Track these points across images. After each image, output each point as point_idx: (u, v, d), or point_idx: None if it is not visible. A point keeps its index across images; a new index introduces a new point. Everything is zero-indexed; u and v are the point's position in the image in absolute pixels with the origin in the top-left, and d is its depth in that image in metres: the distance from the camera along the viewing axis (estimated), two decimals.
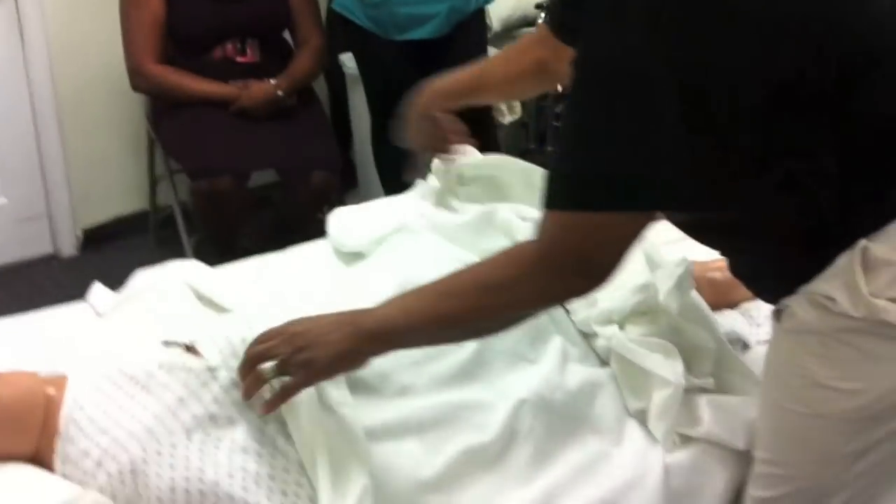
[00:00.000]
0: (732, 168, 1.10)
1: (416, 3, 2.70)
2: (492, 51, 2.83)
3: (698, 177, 1.07)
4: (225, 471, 1.17)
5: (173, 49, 2.89)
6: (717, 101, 1.05)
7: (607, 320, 1.49)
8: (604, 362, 1.49)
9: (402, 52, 2.74)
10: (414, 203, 1.81)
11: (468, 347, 1.39)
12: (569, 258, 1.12)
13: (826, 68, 1.06)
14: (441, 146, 1.74)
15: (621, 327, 1.47)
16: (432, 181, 1.83)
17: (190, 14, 2.85)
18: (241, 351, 1.26)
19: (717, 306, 1.59)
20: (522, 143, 3.51)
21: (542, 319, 1.45)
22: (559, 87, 1.76)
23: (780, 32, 1.06)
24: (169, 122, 2.92)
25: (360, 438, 1.23)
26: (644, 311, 1.49)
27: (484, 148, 2.98)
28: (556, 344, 1.46)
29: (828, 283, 1.11)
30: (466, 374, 1.38)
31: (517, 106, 3.23)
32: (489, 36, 3.06)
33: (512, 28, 3.29)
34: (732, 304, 1.66)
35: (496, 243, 1.57)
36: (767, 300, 1.25)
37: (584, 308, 1.51)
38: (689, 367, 1.42)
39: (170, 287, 1.45)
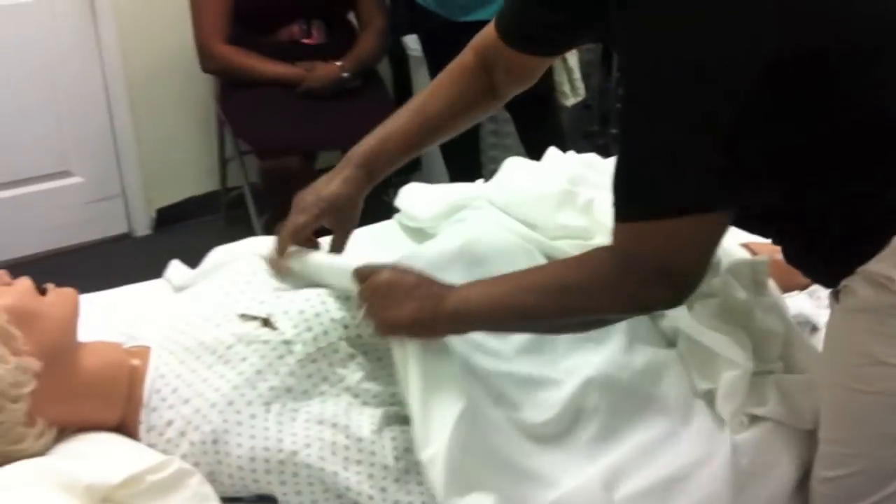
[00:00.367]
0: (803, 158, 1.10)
1: None
2: None
3: (772, 172, 1.08)
4: (302, 441, 1.20)
5: (240, 31, 2.94)
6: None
7: None
8: (670, 343, 1.49)
9: (466, 32, 2.74)
10: (480, 187, 1.83)
11: None
12: (647, 268, 1.11)
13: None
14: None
15: (689, 308, 1.47)
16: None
17: None
18: (314, 325, 1.30)
19: (785, 288, 1.58)
20: (586, 125, 3.50)
21: None
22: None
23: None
24: (236, 102, 2.97)
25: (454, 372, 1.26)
26: (712, 293, 1.50)
27: (548, 131, 2.99)
28: (622, 324, 1.46)
29: (884, 263, 1.11)
30: (532, 350, 1.40)
31: (581, 87, 3.21)
32: None
33: None
34: (801, 286, 1.65)
35: (574, 221, 1.59)
36: (824, 284, 1.25)
37: None
38: (758, 350, 1.42)
39: (246, 262, 1.48)
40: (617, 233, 1.12)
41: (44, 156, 3.17)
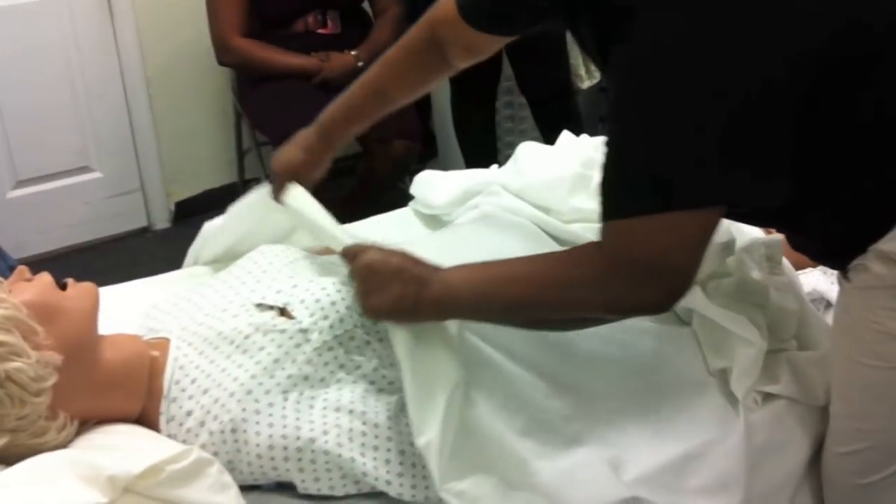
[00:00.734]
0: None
1: None
2: None
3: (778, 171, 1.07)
4: (320, 428, 1.22)
5: (256, 22, 2.94)
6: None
7: None
8: (684, 322, 1.49)
9: None
10: (494, 173, 1.83)
11: None
12: (635, 267, 1.10)
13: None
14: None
15: (703, 287, 1.47)
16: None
17: None
18: (330, 313, 1.31)
19: (799, 265, 1.58)
20: (602, 108, 3.49)
21: None
22: None
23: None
24: (253, 94, 2.98)
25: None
26: (727, 272, 1.49)
27: (565, 116, 2.98)
28: None
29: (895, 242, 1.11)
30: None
31: (596, 70, 3.20)
32: None
33: None
34: (814, 263, 1.65)
35: (588, 204, 1.60)
36: (832, 267, 1.25)
37: None
38: (773, 328, 1.42)
39: (261, 252, 1.50)
40: (604, 231, 1.11)
41: (63, 152, 3.19)
